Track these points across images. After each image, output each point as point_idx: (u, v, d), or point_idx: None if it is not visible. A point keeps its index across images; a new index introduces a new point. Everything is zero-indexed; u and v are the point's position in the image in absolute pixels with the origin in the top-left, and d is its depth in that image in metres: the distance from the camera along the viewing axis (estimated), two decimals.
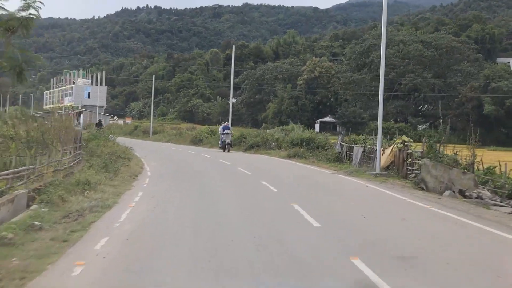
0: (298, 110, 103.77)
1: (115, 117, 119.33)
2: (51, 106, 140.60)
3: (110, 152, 31.46)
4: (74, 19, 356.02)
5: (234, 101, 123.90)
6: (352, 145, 33.69)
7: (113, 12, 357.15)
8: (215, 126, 72.47)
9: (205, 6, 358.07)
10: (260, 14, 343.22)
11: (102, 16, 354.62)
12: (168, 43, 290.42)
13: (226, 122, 51.86)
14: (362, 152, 31.10)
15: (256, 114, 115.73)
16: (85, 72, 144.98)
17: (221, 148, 48.73)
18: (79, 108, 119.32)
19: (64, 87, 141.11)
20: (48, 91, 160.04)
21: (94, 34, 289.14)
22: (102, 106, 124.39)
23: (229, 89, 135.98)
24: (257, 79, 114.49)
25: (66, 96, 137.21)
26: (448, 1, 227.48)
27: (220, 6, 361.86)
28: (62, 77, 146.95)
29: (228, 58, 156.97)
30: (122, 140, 47.53)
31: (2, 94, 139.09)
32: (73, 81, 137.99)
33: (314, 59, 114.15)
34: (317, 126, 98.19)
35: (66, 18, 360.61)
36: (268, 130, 57.14)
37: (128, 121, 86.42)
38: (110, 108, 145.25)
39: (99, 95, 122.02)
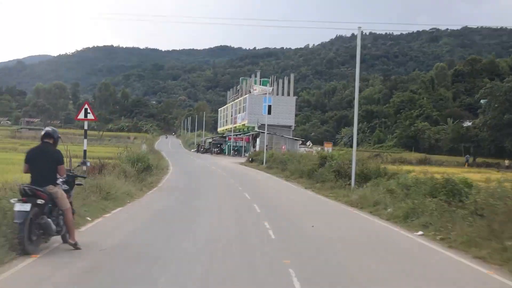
0: None
1: (309, 143, 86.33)
2: (224, 127, 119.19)
3: None
4: (290, 48, 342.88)
5: (469, 123, 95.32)
6: None
7: (327, 40, 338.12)
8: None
9: (422, 31, 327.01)
10: (481, 37, 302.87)
11: (316, 44, 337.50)
12: (384, 68, 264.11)
13: None
14: None
15: (503, 139, 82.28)
16: (269, 79, 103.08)
17: None
18: (256, 129, 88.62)
19: (236, 100, 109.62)
20: (222, 108, 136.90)
21: (308, 61, 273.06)
22: (289, 127, 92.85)
23: (463, 110, 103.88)
24: (505, 93, 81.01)
25: (239, 113, 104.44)
26: None
27: (438, 30, 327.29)
28: (238, 87, 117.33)
29: (458, 75, 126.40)
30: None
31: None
32: (248, 90, 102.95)
33: None
34: None
35: (282, 48, 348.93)
36: None
37: (328, 148, 60.41)
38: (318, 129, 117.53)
39: (284, 109, 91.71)
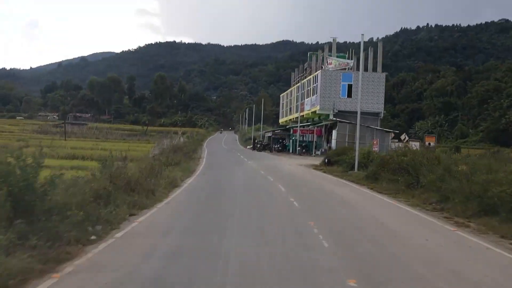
0: None
1: (405, 136, 57.44)
2: (287, 118, 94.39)
3: None
4: (353, 42, 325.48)
5: None
6: None
7: (391, 33, 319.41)
8: None
9: (491, 22, 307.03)
10: None
11: (380, 37, 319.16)
12: (451, 61, 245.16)
13: None
14: None
15: None
16: (346, 54, 75.79)
17: None
18: (331, 117, 66.19)
19: (304, 81, 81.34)
20: (284, 93, 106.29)
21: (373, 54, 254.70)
22: (377, 114, 68.25)
23: None
24: None
25: (307, 97, 76.89)
26: None
27: (508, 21, 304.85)
28: (306, 64, 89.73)
29: None
30: None
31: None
32: (320, 65, 74.52)
33: None
34: None
35: (345, 42, 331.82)
36: None
37: (431, 142, 45.50)
38: (388, 123, 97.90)
39: (369, 90, 67.06)
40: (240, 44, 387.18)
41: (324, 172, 36.78)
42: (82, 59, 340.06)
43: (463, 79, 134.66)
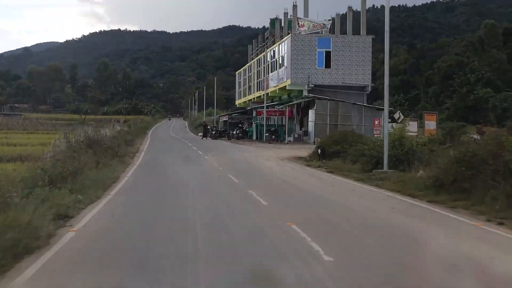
0: None
1: (399, 114, 40.85)
2: (246, 98, 79.24)
3: None
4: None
5: None
6: None
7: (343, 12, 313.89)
8: None
9: (436, 1, 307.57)
10: (497, 6, 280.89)
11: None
12: (400, 40, 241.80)
13: None
14: None
15: None
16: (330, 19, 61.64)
17: None
18: (305, 93, 53.74)
19: (267, 51, 66.56)
20: (241, 70, 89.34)
21: None
22: (363, 88, 56.42)
23: None
24: None
25: (273, 71, 62.27)
26: None
27: (453, 0, 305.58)
28: (266, 34, 72.19)
29: (509, 33, 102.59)
30: None
31: None
32: (288, 31, 60.17)
33: None
34: None
35: None
36: None
37: (432, 122, 37.15)
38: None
39: (352, 58, 54.37)
40: (186, 31, 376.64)
41: (330, 171, 24.39)
42: (25, 49, 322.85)
43: (416, 57, 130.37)
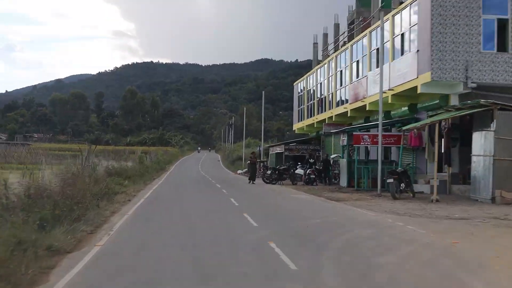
0: None
1: None
2: (310, 120, 48.30)
3: None
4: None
5: None
6: None
7: None
8: None
9: None
10: None
11: None
12: None
13: None
14: None
15: None
16: None
17: None
18: (453, 102, 24.77)
19: (358, 37, 35.60)
20: (304, 77, 53.04)
21: None
22: None
23: None
24: None
25: (371, 69, 32.00)
26: None
27: None
28: (349, 16, 44.53)
29: None
30: None
31: None
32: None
33: None
34: None
35: None
36: None
37: None
38: None
39: None
40: (218, 63, 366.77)
41: None
42: (58, 81, 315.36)
43: None
